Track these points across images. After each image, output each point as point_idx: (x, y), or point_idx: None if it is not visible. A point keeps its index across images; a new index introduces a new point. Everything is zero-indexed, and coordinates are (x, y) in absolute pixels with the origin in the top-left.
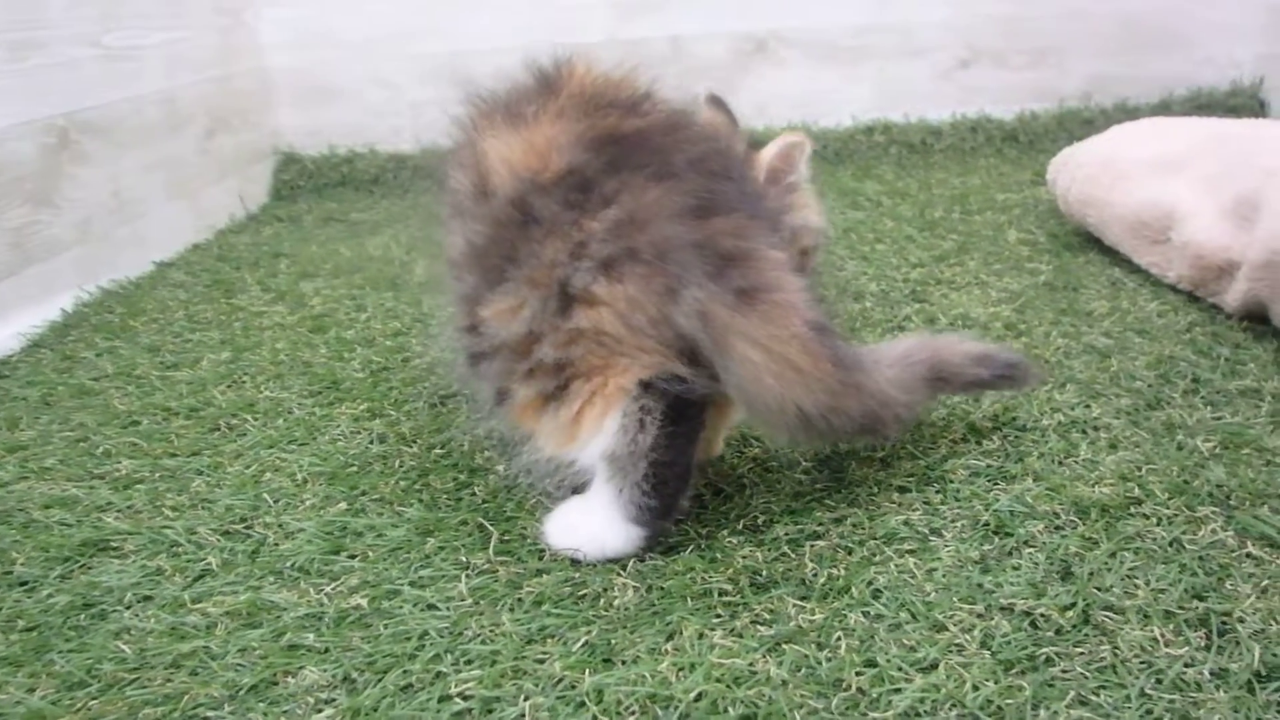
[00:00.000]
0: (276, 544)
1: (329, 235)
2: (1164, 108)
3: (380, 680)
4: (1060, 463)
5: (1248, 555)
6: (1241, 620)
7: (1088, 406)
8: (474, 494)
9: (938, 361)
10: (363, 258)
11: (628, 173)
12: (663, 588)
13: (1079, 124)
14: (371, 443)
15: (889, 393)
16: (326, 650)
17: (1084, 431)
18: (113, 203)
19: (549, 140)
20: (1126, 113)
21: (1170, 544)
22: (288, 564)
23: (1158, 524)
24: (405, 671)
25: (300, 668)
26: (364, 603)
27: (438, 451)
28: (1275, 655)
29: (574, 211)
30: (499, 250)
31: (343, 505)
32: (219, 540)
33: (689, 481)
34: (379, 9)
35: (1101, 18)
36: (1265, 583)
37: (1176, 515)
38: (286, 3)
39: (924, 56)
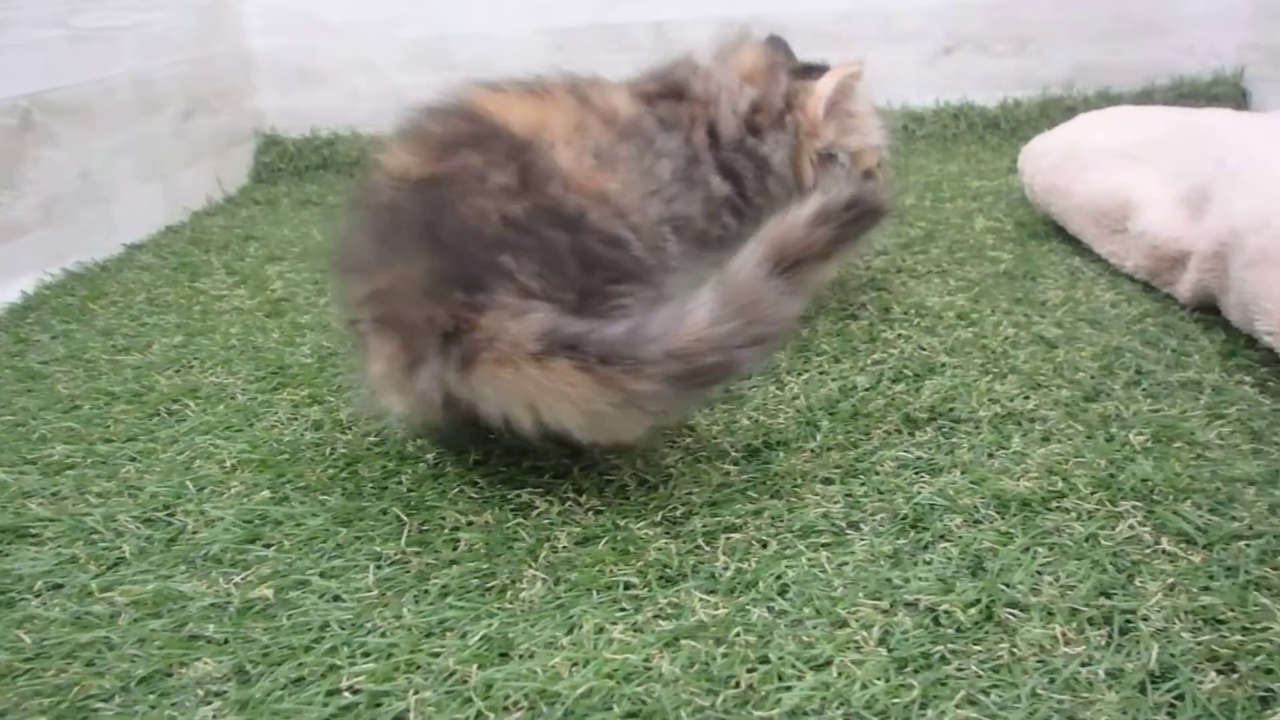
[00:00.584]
0: (195, 532)
1: (303, 218)
2: (1146, 96)
3: (273, 672)
4: (990, 455)
5: (1162, 551)
6: (1145, 618)
7: (1027, 398)
8: (400, 482)
9: (780, 253)
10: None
11: (404, 234)
12: (570, 580)
13: (1062, 112)
14: (307, 429)
15: (717, 333)
16: (225, 641)
17: (1019, 423)
18: (81, 185)
19: (399, 162)
20: (1109, 100)
21: (1086, 539)
22: (201, 553)
23: (1077, 519)
24: (300, 664)
25: (196, 659)
26: (270, 593)
27: (371, 439)
28: (1173, 655)
29: (372, 260)
30: None
31: (266, 493)
32: (138, 528)
33: None
34: None
35: (1084, 6)
36: (1174, 580)
37: (1097, 510)
38: None
39: (907, 43)
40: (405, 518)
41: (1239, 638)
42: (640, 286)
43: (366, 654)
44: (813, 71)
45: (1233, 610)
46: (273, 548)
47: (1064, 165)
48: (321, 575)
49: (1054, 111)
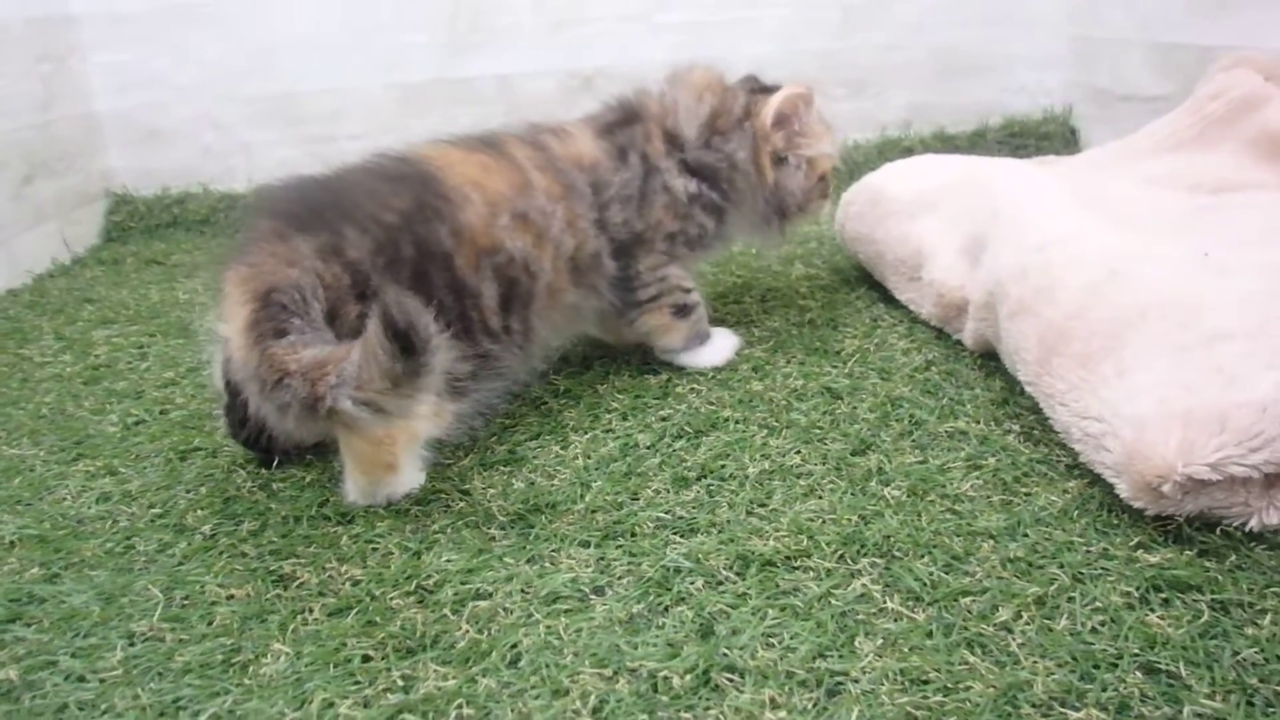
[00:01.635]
0: None
1: (145, 279)
2: (979, 136)
3: None
4: (749, 513)
5: (888, 610)
6: (855, 680)
7: (798, 452)
8: (172, 555)
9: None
10: (168, 302)
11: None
12: (311, 654)
13: (899, 152)
14: (94, 502)
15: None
16: None
17: (784, 479)
18: None
19: None
20: (944, 140)
21: (819, 599)
22: None
23: (814, 578)
24: None
25: None
26: (15, 675)
27: (155, 511)
28: (874, 718)
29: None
30: None
31: (37, 570)
32: None
33: None
34: (208, 53)
35: (916, 49)
36: (890, 640)
37: (836, 568)
38: (114, 47)
39: None
40: (164, 594)
41: (939, 698)
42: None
43: None
44: (770, 90)
45: (938, 670)
46: (32, 627)
47: (868, 213)
48: (72, 655)
49: (891, 152)
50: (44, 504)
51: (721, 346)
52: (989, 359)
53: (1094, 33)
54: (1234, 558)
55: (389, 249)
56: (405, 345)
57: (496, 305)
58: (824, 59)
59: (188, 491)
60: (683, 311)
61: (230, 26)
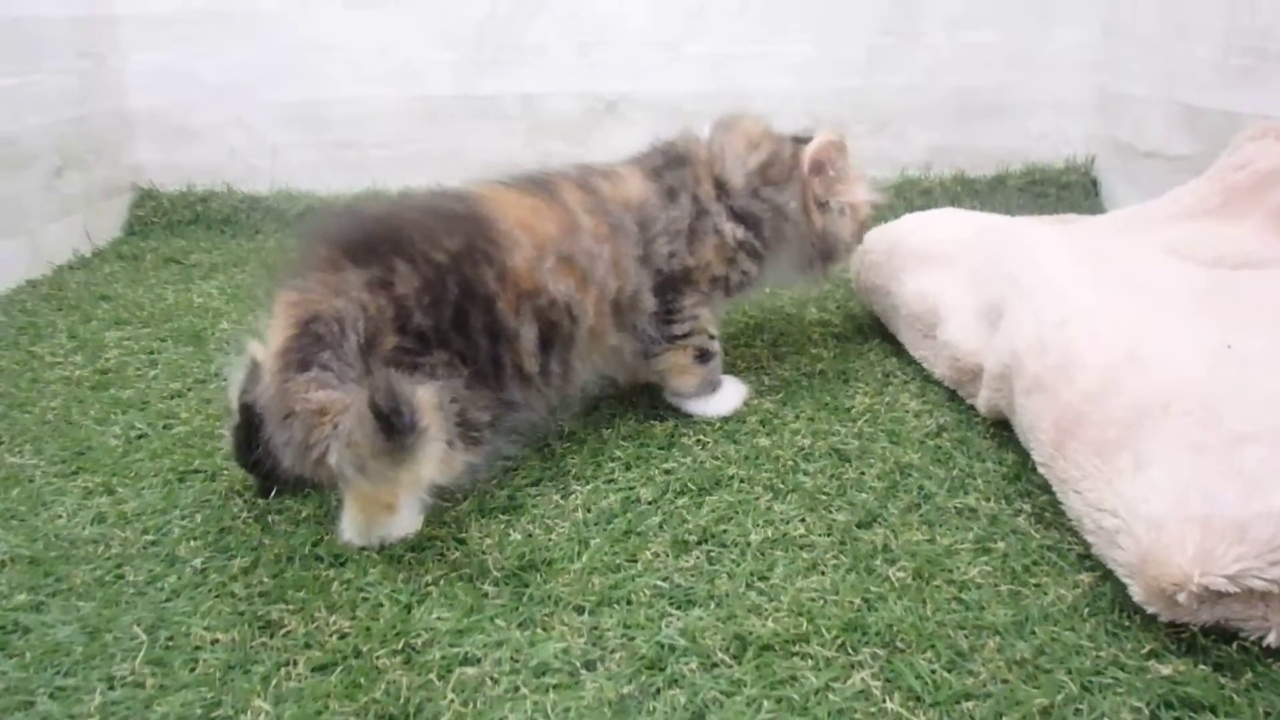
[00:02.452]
0: None
1: (162, 278)
2: (999, 181)
3: None
4: (749, 586)
5: (888, 711)
6: None
7: (803, 520)
8: (161, 589)
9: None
10: (182, 305)
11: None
12: (292, 714)
13: (918, 193)
14: (90, 523)
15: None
16: None
17: (787, 549)
18: None
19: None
20: (963, 184)
21: (815, 693)
22: None
23: (813, 667)
24: None
25: None
26: None
27: (148, 538)
28: None
29: None
30: None
31: (24, 597)
32: None
33: None
34: (240, 56)
35: (939, 90)
36: None
37: (836, 658)
38: (151, 47)
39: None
40: (148, 634)
41: None
42: (460, 366)
43: None
44: (805, 140)
45: None
46: (14, 660)
47: (884, 264)
48: (50, 695)
49: (910, 193)
50: (39, 520)
51: (729, 397)
52: (1002, 427)
53: (1120, 86)
54: (1250, 675)
55: (436, 287)
56: (386, 427)
57: (535, 347)
58: (846, 97)
59: (183, 518)
60: (704, 357)
61: (263, 33)
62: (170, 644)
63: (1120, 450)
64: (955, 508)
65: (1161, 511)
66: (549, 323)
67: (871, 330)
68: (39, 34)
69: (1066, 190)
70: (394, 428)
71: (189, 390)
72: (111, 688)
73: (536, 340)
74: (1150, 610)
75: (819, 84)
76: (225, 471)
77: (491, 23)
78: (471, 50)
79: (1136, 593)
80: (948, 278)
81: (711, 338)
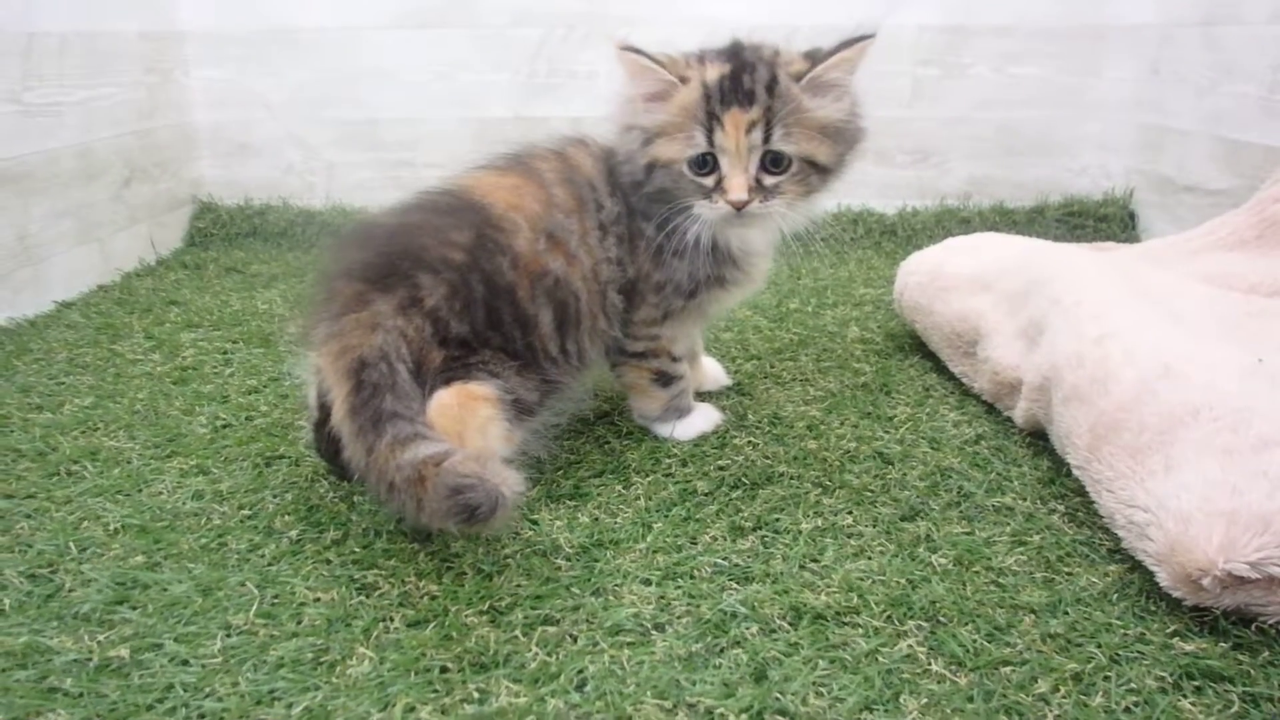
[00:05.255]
0: (71, 590)
1: (225, 285)
2: (1038, 213)
3: None
4: (802, 567)
5: (932, 672)
6: None
7: (850, 513)
8: (262, 555)
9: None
10: (248, 311)
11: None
12: (394, 660)
13: (956, 222)
14: (189, 499)
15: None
16: (80, 695)
17: (835, 537)
18: (17, 246)
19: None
20: (1002, 215)
21: (866, 655)
22: (73, 611)
23: (863, 634)
24: None
25: (51, 710)
26: (126, 653)
27: (245, 512)
28: None
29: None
30: None
31: (141, 558)
32: (22, 583)
33: None
34: (301, 76)
35: (982, 123)
36: (934, 701)
37: (884, 627)
38: (216, 64)
39: None
40: (258, 590)
41: None
42: (506, 358)
43: (202, 716)
44: None
45: None
46: (138, 610)
47: (928, 285)
48: (176, 639)
49: (949, 221)
50: (142, 495)
51: (698, 421)
52: (1038, 438)
53: (1161, 121)
54: (1267, 654)
55: (462, 290)
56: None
57: (553, 330)
58: (890, 127)
59: (274, 496)
60: (663, 380)
61: (323, 54)
62: (276, 600)
63: (1152, 453)
64: (993, 506)
65: (1190, 506)
66: (559, 303)
67: (911, 348)
68: (111, 49)
69: (1104, 222)
70: (476, 518)
71: (265, 386)
72: (229, 635)
73: (553, 323)
74: (1176, 595)
75: (866, 114)
76: (308, 458)
77: (545, 47)
78: (525, 74)
79: (1164, 579)
80: (988, 300)
81: (675, 360)
